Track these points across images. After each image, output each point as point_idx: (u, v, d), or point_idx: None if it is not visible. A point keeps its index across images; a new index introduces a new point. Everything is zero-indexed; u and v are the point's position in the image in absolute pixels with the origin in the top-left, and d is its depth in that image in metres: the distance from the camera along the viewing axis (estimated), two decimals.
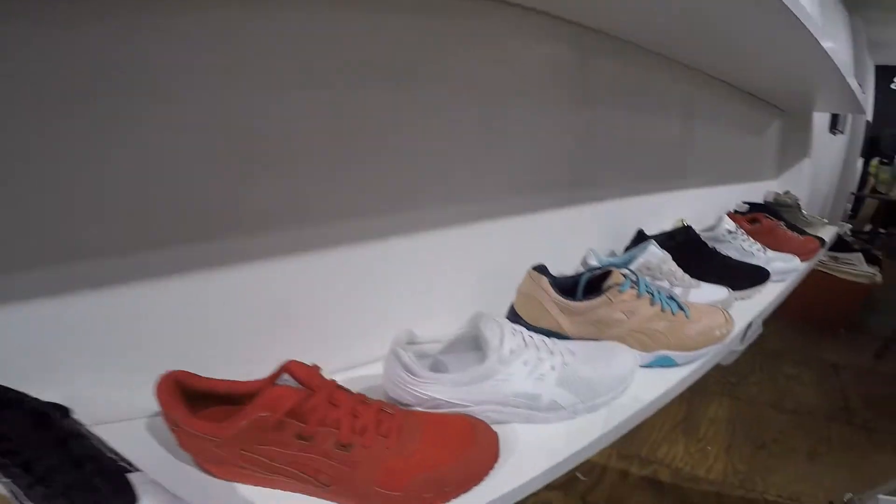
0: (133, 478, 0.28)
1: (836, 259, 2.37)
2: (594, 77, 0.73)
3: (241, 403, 0.35)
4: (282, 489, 0.36)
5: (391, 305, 0.57)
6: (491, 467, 0.38)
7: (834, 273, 2.29)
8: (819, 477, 1.45)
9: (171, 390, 0.35)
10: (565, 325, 0.55)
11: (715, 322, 0.61)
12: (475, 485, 0.37)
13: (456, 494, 0.36)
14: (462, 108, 0.58)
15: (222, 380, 0.38)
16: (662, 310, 0.58)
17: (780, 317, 2.57)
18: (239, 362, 0.45)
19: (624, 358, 0.50)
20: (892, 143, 4.04)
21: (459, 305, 0.60)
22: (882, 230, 4.10)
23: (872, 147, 3.99)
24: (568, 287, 0.58)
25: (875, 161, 4.02)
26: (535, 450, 0.42)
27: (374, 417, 0.36)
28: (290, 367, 0.36)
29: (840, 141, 2.48)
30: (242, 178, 0.42)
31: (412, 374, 0.42)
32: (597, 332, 0.55)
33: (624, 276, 0.57)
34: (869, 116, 3.80)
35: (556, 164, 0.72)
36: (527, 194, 0.68)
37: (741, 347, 1.09)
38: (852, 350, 2.37)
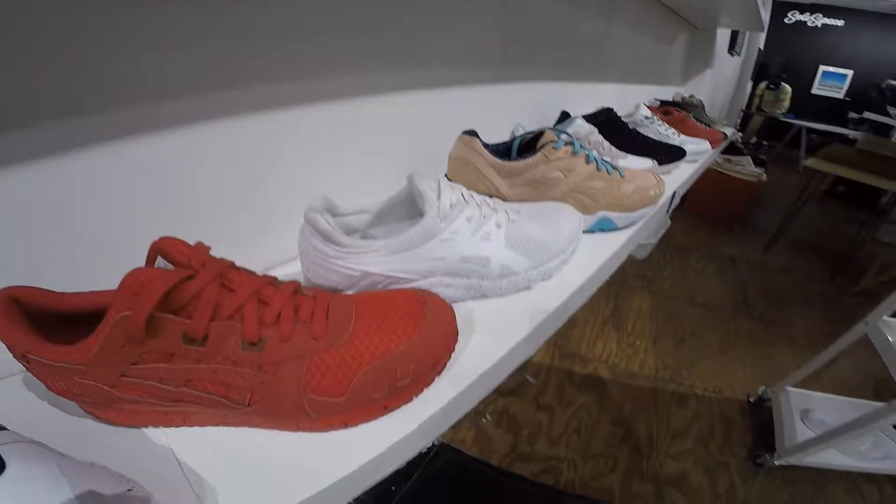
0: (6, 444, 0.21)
1: (729, 161, 2.64)
2: None
3: None
4: (192, 424, 0.26)
5: (311, 185, 0.47)
6: (451, 350, 0.31)
7: (728, 172, 2.56)
8: (733, 371, 1.66)
9: (9, 311, 0.24)
10: (503, 188, 0.50)
11: (649, 182, 0.60)
12: (436, 375, 0.30)
13: (415, 391, 0.28)
14: None
15: (79, 292, 0.27)
16: (598, 168, 0.55)
17: (683, 213, 2.86)
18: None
19: (569, 216, 0.46)
20: (778, 70, 4.59)
21: (388, 182, 0.50)
22: (765, 142, 4.71)
23: (761, 72, 4.50)
24: (501, 152, 0.53)
25: (762, 84, 4.52)
26: (493, 329, 0.37)
27: (288, 301, 0.26)
28: (160, 246, 0.25)
29: (736, 62, 2.72)
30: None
31: (336, 243, 0.33)
32: (536, 195, 0.51)
33: (557, 135, 0.53)
34: (762, 45, 4.20)
35: (488, 40, 0.65)
36: (458, 67, 0.60)
37: (653, 241, 1.16)
38: (745, 243, 2.70)
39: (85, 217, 0.32)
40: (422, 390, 0.29)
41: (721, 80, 2.59)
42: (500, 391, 1.40)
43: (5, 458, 0.21)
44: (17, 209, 0.29)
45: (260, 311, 0.25)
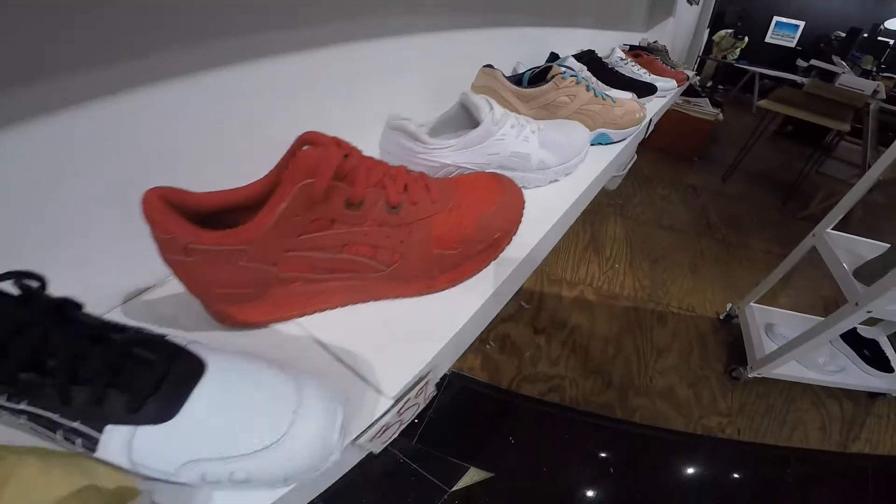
0: (189, 347, 0.23)
1: (688, 102, 2.83)
2: None
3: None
4: (333, 306, 0.32)
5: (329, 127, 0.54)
6: (522, 212, 0.40)
7: (687, 112, 2.76)
8: (703, 290, 1.84)
9: (165, 208, 0.26)
10: (521, 109, 0.61)
11: (634, 108, 0.73)
12: (515, 232, 0.38)
13: (506, 241, 0.37)
14: None
15: (213, 191, 0.29)
16: (595, 95, 0.67)
17: (648, 148, 3.06)
18: None
19: (580, 129, 0.58)
20: (734, 20, 4.90)
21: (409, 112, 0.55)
22: (720, 86, 4.99)
23: (718, 20, 4.72)
24: (514, 82, 0.64)
25: (723, 32, 4.76)
26: (542, 207, 0.47)
27: (408, 175, 0.33)
28: (309, 138, 0.29)
29: (695, 11, 2.87)
30: None
31: (420, 141, 0.43)
32: (547, 115, 0.62)
33: (563, 68, 0.66)
34: None
35: None
36: (454, 14, 0.69)
37: (623, 172, 1.30)
38: (705, 174, 2.94)
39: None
40: (509, 241, 0.39)
41: (680, 29, 2.74)
42: (499, 317, 1.53)
43: (206, 359, 0.22)
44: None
45: (394, 181, 0.32)
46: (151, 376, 0.21)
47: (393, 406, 0.29)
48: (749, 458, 1.25)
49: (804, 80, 3.61)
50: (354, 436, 0.27)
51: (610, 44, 1.33)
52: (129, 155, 0.32)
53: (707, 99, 3.00)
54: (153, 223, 0.26)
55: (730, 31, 4.82)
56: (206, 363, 0.22)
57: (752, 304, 1.57)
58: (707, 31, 4.76)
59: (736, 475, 1.21)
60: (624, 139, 0.71)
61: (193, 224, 0.26)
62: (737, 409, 1.37)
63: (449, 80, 0.65)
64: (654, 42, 1.72)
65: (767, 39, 5.33)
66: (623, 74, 0.99)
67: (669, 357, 1.52)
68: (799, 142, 3.65)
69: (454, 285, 0.36)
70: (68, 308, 0.21)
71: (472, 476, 1.08)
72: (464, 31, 0.72)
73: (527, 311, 1.62)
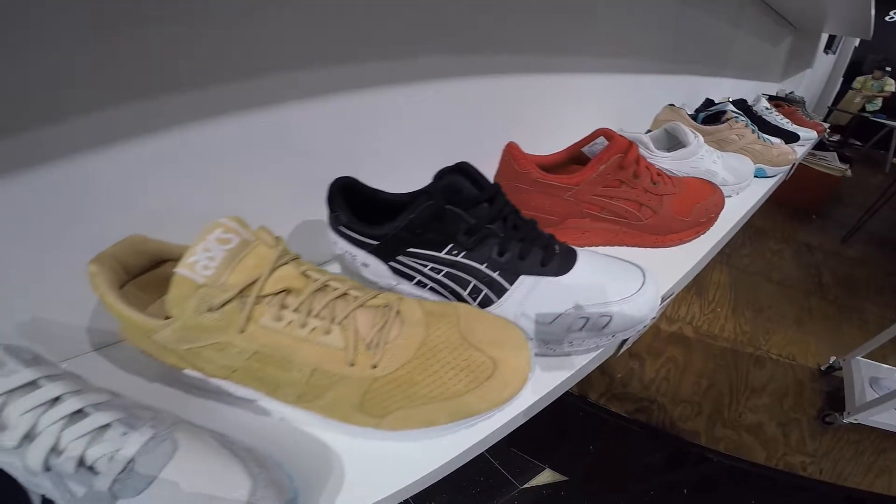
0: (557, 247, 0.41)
1: (813, 155, 2.82)
2: None
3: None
4: (596, 244, 0.52)
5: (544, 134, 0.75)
6: (723, 206, 0.62)
7: (812, 165, 2.74)
8: (806, 342, 1.85)
9: (524, 155, 0.53)
10: None
11: (787, 151, 0.91)
12: (717, 217, 0.61)
13: (710, 223, 0.60)
14: None
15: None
16: (759, 137, 0.87)
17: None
18: None
19: (748, 161, 0.78)
20: (874, 66, 4.76)
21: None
22: (857, 142, 4.79)
23: (853, 69, 4.58)
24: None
25: (861, 78, 4.61)
26: (728, 209, 0.68)
27: (651, 167, 0.55)
28: (604, 132, 0.54)
29: (830, 60, 2.90)
30: None
31: (649, 149, 0.66)
32: (718, 149, 0.83)
33: (735, 112, 0.85)
34: (857, 43, 4.31)
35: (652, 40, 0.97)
36: (632, 58, 0.91)
37: None
38: (823, 233, 2.87)
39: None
40: (714, 223, 0.61)
41: (814, 77, 2.78)
42: None
43: (578, 256, 0.51)
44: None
45: (650, 168, 0.55)
46: (552, 243, 0.41)
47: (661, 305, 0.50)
48: (824, 497, 1.28)
49: None
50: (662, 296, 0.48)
51: (745, 91, 1.49)
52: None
53: (835, 153, 2.96)
54: (516, 159, 0.49)
55: (871, 76, 4.63)
56: (577, 253, 0.42)
57: (858, 357, 1.58)
58: (840, 80, 4.64)
59: None
60: (776, 175, 0.89)
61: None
62: (823, 452, 1.39)
63: (626, 109, 0.88)
64: (791, 93, 1.85)
65: None
66: (768, 122, 1.16)
67: (762, 397, 1.56)
68: None
69: (677, 245, 0.59)
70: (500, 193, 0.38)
71: (546, 477, 1.14)
72: (638, 74, 0.94)
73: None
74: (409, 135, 0.53)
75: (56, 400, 0.28)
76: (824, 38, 2.76)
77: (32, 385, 0.28)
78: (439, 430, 0.29)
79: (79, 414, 0.29)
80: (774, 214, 2.96)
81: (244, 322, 0.26)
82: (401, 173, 0.52)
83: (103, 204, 0.33)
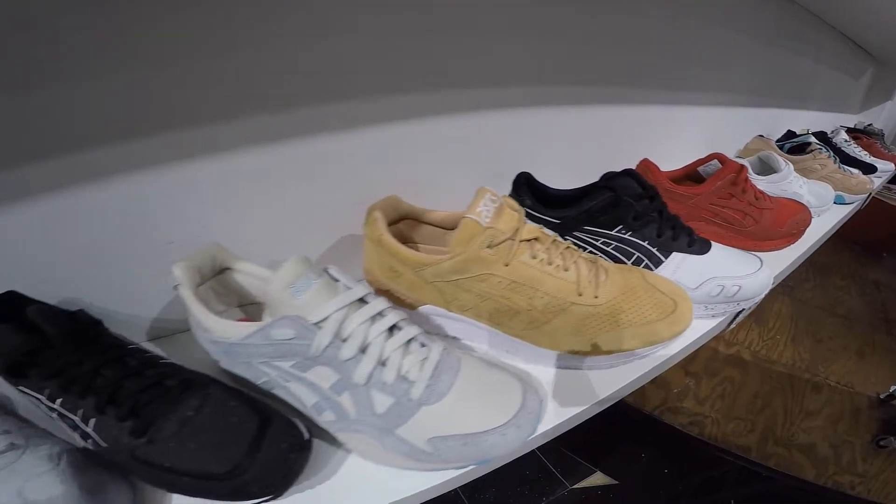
0: None
1: (889, 189, 2.80)
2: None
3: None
4: (715, 240, 0.65)
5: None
6: (809, 223, 0.75)
7: (886, 200, 2.71)
8: (866, 373, 1.86)
9: (655, 167, 0.73)
10: None
11: (865, 181, 1.03)
12: (805, 230, 0.74)
13: (801, 234, 0.73)
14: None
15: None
16: (839, 167, 0.99)
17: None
18: None
19: (829, 188, 0.91)
20: None
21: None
22: None
23: None
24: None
25: None
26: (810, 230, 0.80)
27: (752, 187, 0.70)
28: (718, 156, 0.70)
29: None
30: None
31: (750, 173, 0.78)
32: (803, 176, 0.95)
33: (819, 143, 0.98)
34: None
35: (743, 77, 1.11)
36: (725, 93, 1.05)
37: None
38: (893, 272, 2.88)
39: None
40: (801, 236, 0.74)
41: (895, 111, 2.80)
42: None
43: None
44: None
45: (754, 187, 0.70)
46: (692, 232, 0.58)
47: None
48: None
49: None
50: None
51: (824, 122, 1.59)
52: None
53: None
54: (651, 171, 0.65)
55: None
56: (710, 241, 0.60)
57: None
58: None
59: None
60: (853, 202, 1.01)
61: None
62: (874, 473, 1.43)
63: (715, 137, 1.02)
64: (870, 125, 1.91)
65: None
66: (847, 153, 1.27)
67: (817, 419, 1.60)
68: None
69: (772, 250, 0.72)
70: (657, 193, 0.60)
71: (596, 479, 1.20)
72: (729, 107, 1.08)
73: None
74: (562, 147, 0.71)
75: (379, 315, 0.34)
76: None
77: (362, 301, 0.34)
78: (628, 355, 0.44)
79: (394, 328, 0.34)
80: (841, 251, 2.93)
81: (510, 257, 0.41)
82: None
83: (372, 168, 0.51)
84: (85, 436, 0.32)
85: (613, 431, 1.41)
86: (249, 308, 0.44)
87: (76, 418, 0.32)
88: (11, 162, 0.33)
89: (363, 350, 0.32)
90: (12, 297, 0.35)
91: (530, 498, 1.12)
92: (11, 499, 0.27)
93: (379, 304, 0.34)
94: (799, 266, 0.81)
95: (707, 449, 1.45)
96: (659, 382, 1.58)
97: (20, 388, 0.33)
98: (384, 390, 0.32)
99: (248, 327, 0.33)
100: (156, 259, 0.42)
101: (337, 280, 0.34)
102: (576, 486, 1.16)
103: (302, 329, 0.31)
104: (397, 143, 0.52)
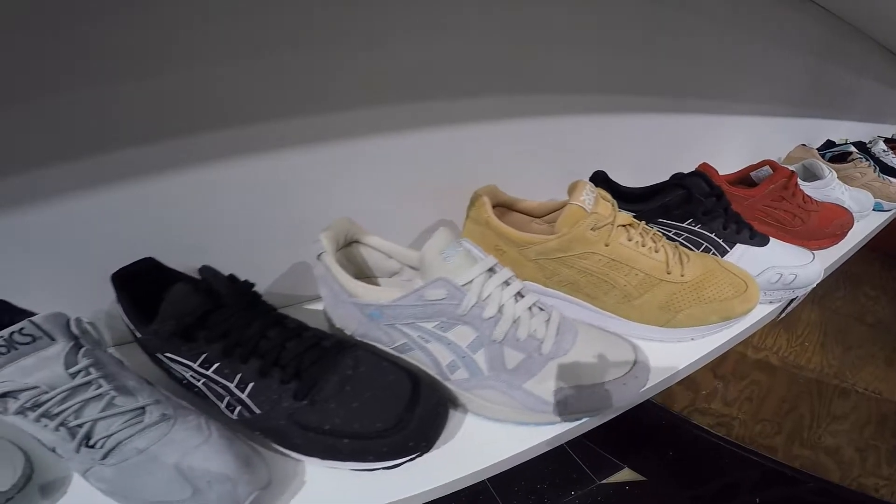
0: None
1: None
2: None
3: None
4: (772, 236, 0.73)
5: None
6: (851, 226, 0.82)
7: None
8: (895, 380, 1.86)
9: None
10: None
11: None
12: (847, 232, 0.81)
13: (844, 236, 0.80)
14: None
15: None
16: (878, 175, 1.06)
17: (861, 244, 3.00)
18: None
19: (869, 195, 0.98)
20: None
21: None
22: None
23: None
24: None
25: None
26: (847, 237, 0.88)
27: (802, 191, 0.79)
28: (769, 162, 0.77)
29: None
30: None
31: (803, 181, 0.87)
32: (844, 183, 1.03)
33: (860, 153, 1.06)
34: None
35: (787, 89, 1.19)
36: (770, 104, 1.13)
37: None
38: None
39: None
40: (844, 238, 0.81)
41: None
42: None
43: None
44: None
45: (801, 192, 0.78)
46: (751, 227, 0.66)
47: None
48: None
49: None
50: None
51: (862, 132, 1.66)
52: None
53: None
54: (710, 174, 0.72)
55: None
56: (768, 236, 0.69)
57: None
58: None
59: None
60: (892, 209, 1.09)
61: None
62: None
63: (756, 146, 1.10)
64: None
65: None
66: (885, 162, 1.34)
67: (844, 424, 1.64)
68: None
69: (818, 250, 0.79)
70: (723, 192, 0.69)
71: (624, 475, 1.24)
72: (772, 118, 1.16)
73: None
74: (624, 151, 0.80)
75: (506, 282, 0.38)
76: None
77: (492, 270, 0.38)
78: (707, 328, 0.51)
79: (518, 294, 0.38)
80: (872, 261, 2.95)
81: (610, 239, 0.49)
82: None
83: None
84: (232, 405, 0.32)
85: (641, 431, 1.47)
86: None
87: (231, 384, 0.32)
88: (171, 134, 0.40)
89: (500, 310, 0.36)
90: (149, 263, 0.38)
91: (559, 491, 1.17)
92: (169, 472, 0.27)
93: (506, 272, 0.39)
94: (830, 276, 0.87)
95: (734, 449, 1.48)
96: (688, 384, 1.64)
97: (168, 354, 0.33)
98: (517, 347, 0.36)
99: (400, 290, 0.37)
100: (281, 232, 0.50)
101: (470, 251, 0.39)
102: (604, 482, 1.20)
103: (453, 290, 0.35)
104: (490, 139, 0.61)
